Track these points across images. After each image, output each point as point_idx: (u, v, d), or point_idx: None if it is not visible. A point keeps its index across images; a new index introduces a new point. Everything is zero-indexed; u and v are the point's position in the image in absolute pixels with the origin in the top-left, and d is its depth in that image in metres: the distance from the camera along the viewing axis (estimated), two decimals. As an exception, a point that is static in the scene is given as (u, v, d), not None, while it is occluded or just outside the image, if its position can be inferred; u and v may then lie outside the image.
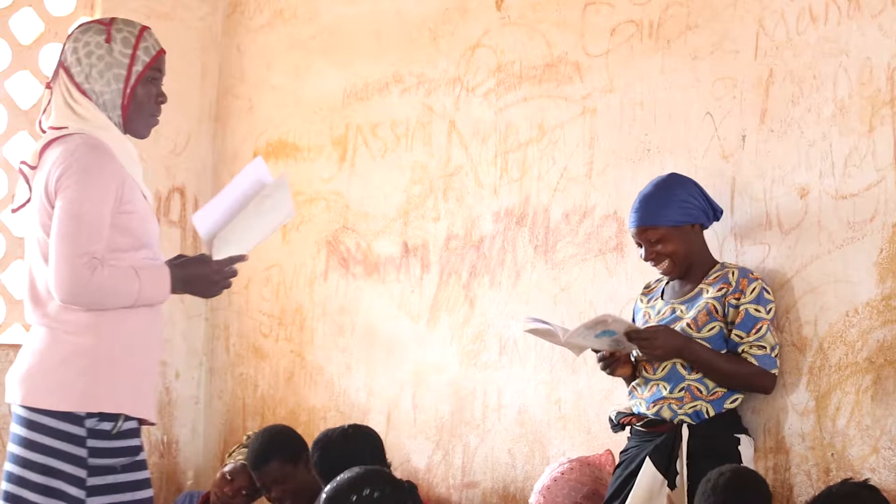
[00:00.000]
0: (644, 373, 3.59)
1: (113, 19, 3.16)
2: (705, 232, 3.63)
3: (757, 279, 3.51)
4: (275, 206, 3.17)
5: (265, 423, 5.11)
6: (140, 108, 3.13)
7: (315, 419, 5.01)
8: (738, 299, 3.48)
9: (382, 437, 4.30)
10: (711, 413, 3.47)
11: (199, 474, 5.56)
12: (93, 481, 2.97)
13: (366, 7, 5.03)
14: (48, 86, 3.15)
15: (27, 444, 2.96)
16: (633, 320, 3.75)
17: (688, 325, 3.52)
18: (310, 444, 4.22)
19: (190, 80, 5.52)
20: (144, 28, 3.16)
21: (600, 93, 4.14)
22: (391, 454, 4.35)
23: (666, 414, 3.50)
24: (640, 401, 3.58)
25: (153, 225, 3.14)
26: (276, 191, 3.16)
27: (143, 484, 3.11)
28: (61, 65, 3.11)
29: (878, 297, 3.38)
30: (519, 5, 4.43)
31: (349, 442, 4.11)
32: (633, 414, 3.60)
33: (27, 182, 3.07)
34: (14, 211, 3.13)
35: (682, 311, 3.56)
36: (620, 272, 4.02)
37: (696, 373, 3.48)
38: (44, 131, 3.11)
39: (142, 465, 3.11)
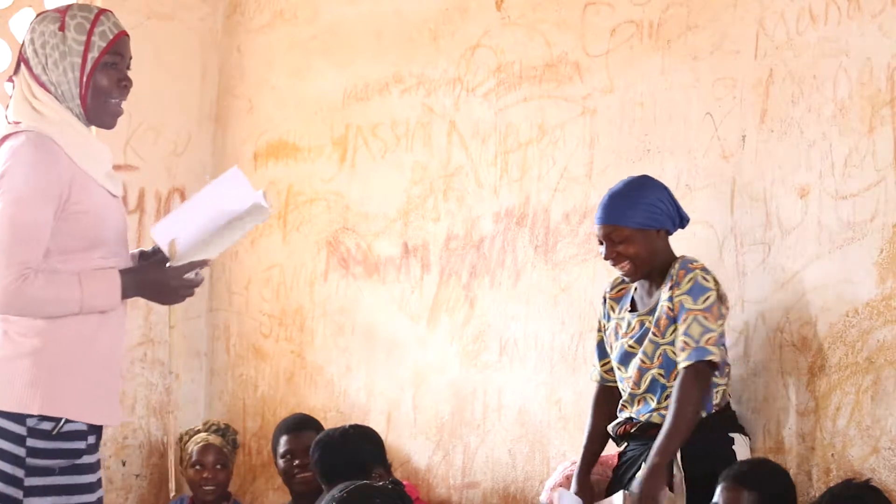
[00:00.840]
0: (630, 390, 3.57)
1: (69, 6, 3.00)
2: (705, 233, 3.63)
3: (695, 269, 3.45)
4: (252, 218, 3.02)
5: (265, 423, 5.11)
6: (100, 96, 2.96)
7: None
8: (675, 292, 3.45)
9: (382, 437, 4.30)
10: (702, 414, 3.46)
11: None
12: (31, 481, 2.86)
13: (366, 7, 5.03)
14: (10, 79, 3.03)
15: None
16: (603, 327, 3.72)
17: (653, 333, 3.50)
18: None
19: (190, 80, 5.52)
20: (102, 11, 2.99)
21: (600, 93, 4.14)
22: (391, 455, 4.36)
23: (658, 420, 3.49)
24: (631, 415, 3.58)
25: (114, 221, 2.99)
26: (255, 209, 3.02)
27: (85, 489, 2.95)
28: (21, 57, 3.00)
29: (879, 298, 3.38)
30: (519, 5, 4.43)
31: (350, 442, 4.11)
32: (628, 421, 3.60)
33: None
34: None
35: (649, 321, 3.53)
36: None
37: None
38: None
39: (85, 469, 2.96)
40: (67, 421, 2.89)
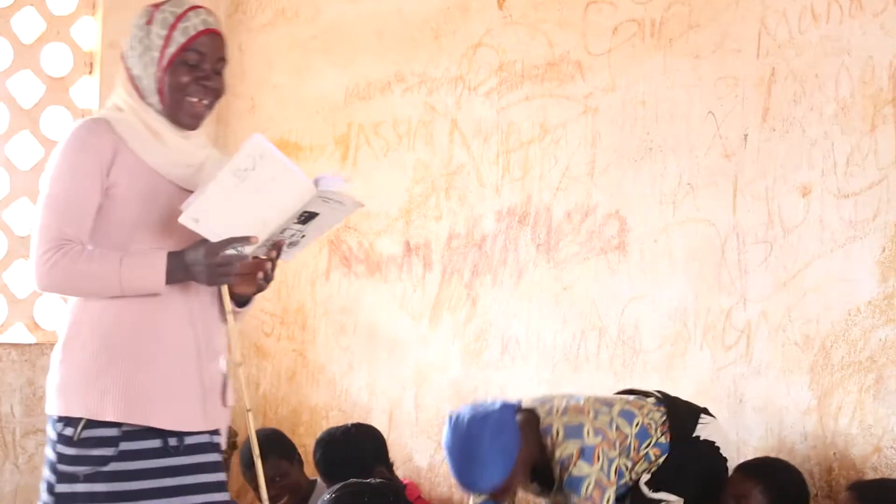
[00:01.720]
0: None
1: (166, 1, 2.87)
2: (707, 232, 3.63)
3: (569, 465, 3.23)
4: (276, 179, 2.81)
5: (267, 422, 5.11)
6: (175, 93, 2.82)
7: (317, 418, 5.01)
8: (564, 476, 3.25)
9: (384, 436, 4.30)
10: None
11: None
12: (60, 488, 2.76)
13: (367, 6, 5.03)
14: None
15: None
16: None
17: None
18: (312, 443, 4.23)
19: (192, 79, 5.51)
20: (192, 8, 2.84)
21: (602, 92, 4.14)
22: (393, 453, 4.36)
23: None
24: None
25: (166, 210, 2.81)
26: (262, 160, 2.79)
27: (112, 497, 2.76)
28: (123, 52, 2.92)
29: (881, 296, 3.38)
30: (521, 4, 4.43)
31: (352, 440, 4.12)
32: None
33: None
34: None
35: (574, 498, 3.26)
36: (622, 271, 4.02)
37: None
38: None
39: (111, 477, 2.76)
40: (87, 427, 2.76)
